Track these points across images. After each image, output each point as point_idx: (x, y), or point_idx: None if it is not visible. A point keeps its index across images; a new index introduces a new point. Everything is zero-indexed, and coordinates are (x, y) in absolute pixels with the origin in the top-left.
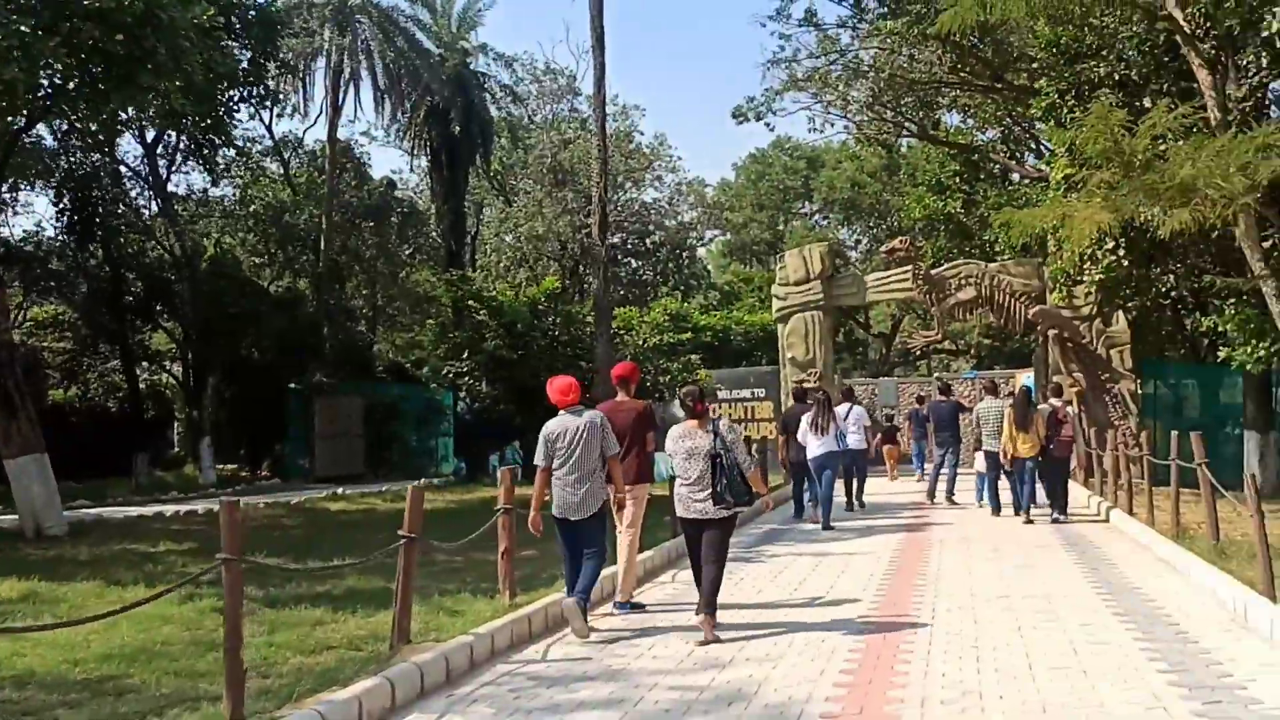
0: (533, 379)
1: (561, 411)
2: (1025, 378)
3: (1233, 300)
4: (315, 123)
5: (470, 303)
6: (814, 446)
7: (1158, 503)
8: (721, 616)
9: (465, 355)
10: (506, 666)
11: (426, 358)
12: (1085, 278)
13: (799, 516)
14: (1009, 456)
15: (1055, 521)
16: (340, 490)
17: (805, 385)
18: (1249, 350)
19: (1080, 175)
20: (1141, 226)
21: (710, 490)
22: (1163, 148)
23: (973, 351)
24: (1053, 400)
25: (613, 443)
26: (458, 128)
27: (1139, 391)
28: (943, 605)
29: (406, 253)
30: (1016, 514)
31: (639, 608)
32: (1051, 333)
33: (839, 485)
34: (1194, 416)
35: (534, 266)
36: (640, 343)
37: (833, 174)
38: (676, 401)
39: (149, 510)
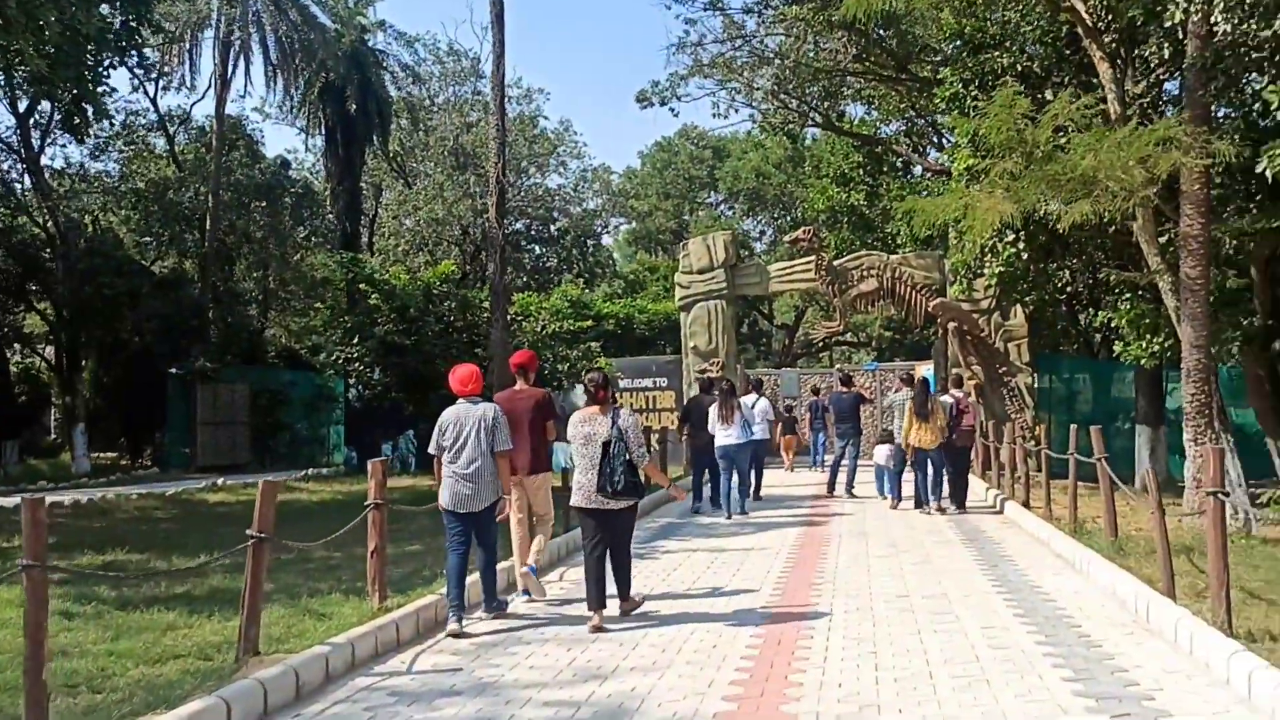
0: (425, 366)
1: (460, 400)
2: (925, 370)
3: (1128, 296)
4: (203, 97)
5: (361, 286)
6: (720, 436)
7: (1053, 496)
8: (607, 622)
9: (355, 340)
10: (366, 680)
11: (322, 343)
12: (986, 270)
13: (697, 507)
14: (910, 448)
15: (952, 511)
16: (221, 481)
17: (711, 375)
18: (1143, 345)
19: (983, 165)
20: (1041, 220)
21: (608, 479)
22: (1064, 140)
23: (874, 344)
24: (954, 391)
25: (504, 438)
26: (354, 106)
27: (1035, 385)
28: (840, 606)
29: (301, 235)
30: (917, 507)
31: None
32: (951, 325)
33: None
34: (1086, 411)
35: (434, 251)
36: (539, 329)
37: (738, 164)
38: (579, 389)
39: (11, 501)
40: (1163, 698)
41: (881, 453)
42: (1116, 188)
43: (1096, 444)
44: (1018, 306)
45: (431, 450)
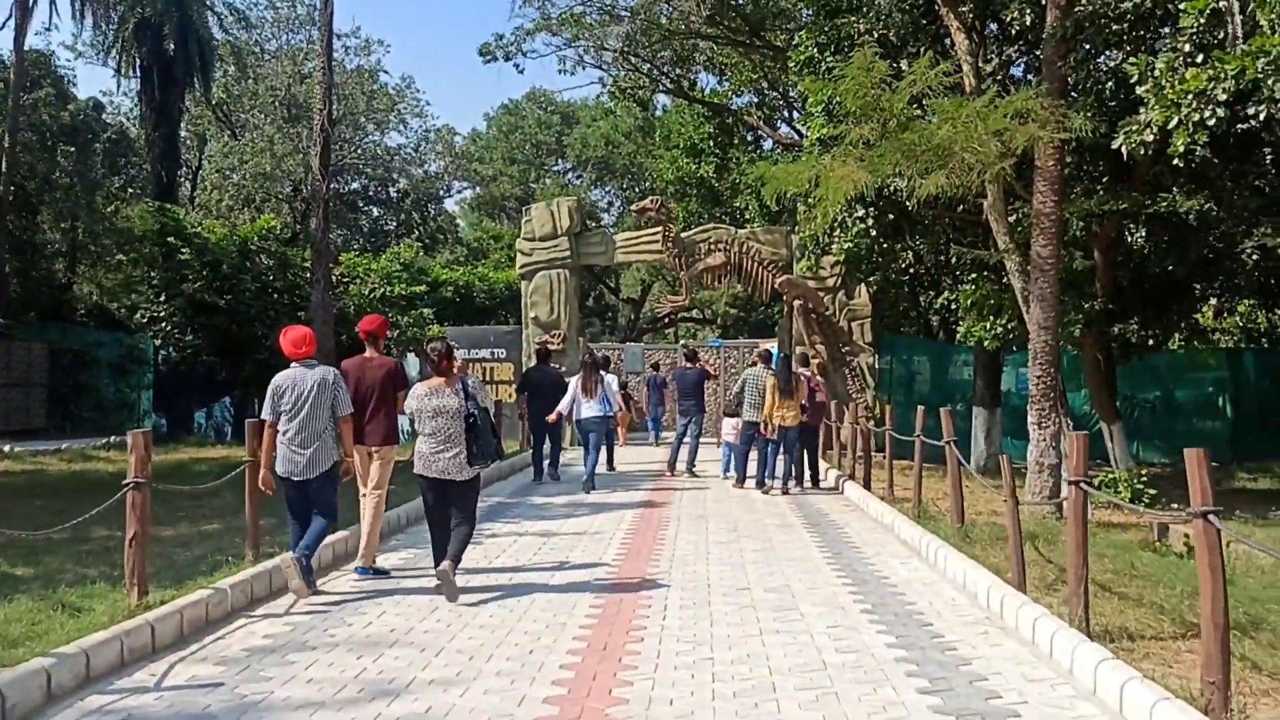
0: (241, 328)
1: (294, 364)
2: (769, 347)
3: (973, 276)
4: (2, 26)
5: (171, 239)
6: (584, 410)
7: (894, 479)
8: (411, 619)
9: (164, 299)
10: (101, 699)
11: (135, 302)
12: (834, 245)
13: (538, 479)
14: (771, 427)
15: (795, 490)
16: (9, 448)
17: (550, 346)
18: (985, 327)
19: (838, 132)
20: (891, 196)
21: (464, 451)
22: (920, 111)
23: (719, 321)
24: (801, 370)
25: (345, 402)
26: (172, 46)
27: (876, 365)
28: (676, 602)
29: (116, 185)
30: (759, 486)
31: (382, 573)
32: (796, 303)
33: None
34: (925, 391)
35: (261, 208)
36: (366, 293)
37: (587, 131)
38: (410, 357)
39: None
40: (1028, 712)
41: (728, 427)
42: (972, 159)
43: (946, 426)
44: (862, 286)
45: (265, 415)
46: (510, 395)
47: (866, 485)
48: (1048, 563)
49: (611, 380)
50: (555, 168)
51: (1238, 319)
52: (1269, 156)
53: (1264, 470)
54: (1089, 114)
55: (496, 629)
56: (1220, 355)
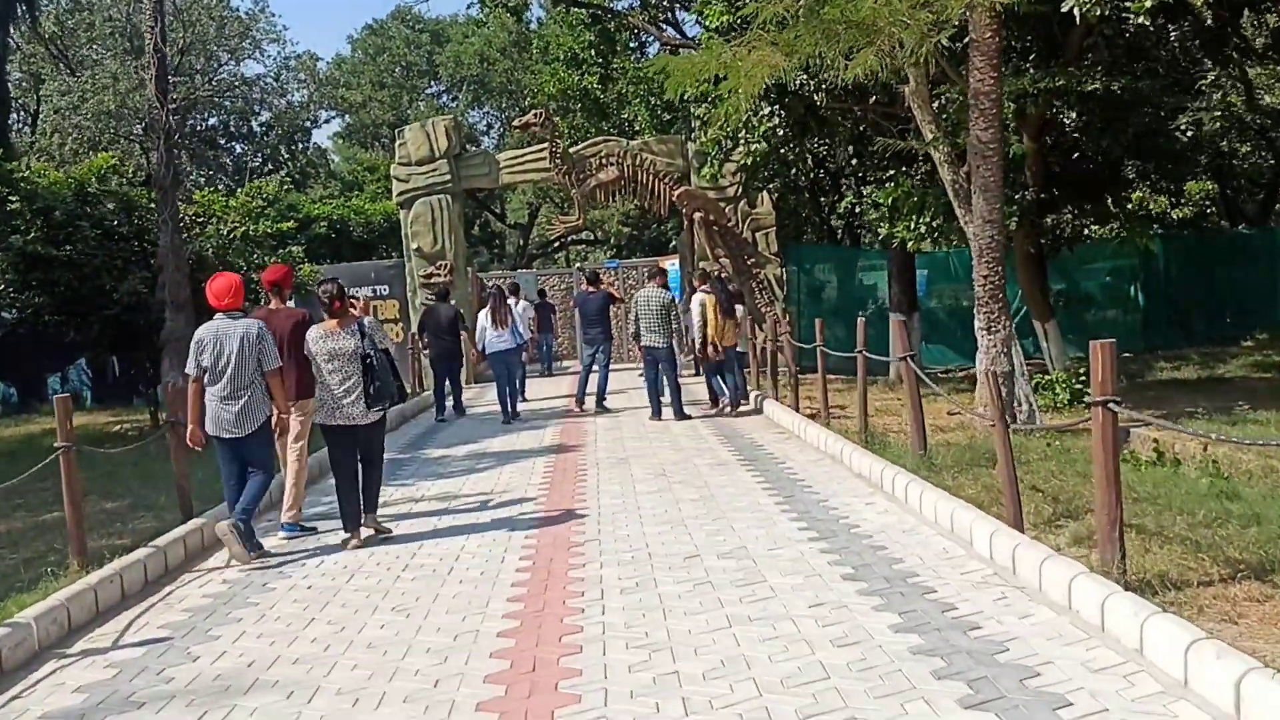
0: (86, 283)
1: (218, 315)
2: (669, 264)
3: (890, 173)
4: None
5: None
6: (494, 342)
7: (811, 393)
8: (276, 626)
9: None
10: None
11: None
12: (740, 148)
13: (440, 416)
14: (719, 348)
15: (715, 413)
16: None
17: (437, 279)
18: (908, 226)
19: (746, 10)
20: (798, 91)
21: (363, 393)
22: None
23: (612, 241)
24: (703, 289)
25: (272, 355)
26: None
27: (784, 276)
28: (614, 583)
29: None
30: (715, 406)
31: (311, 530)
32: (697, 215)
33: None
34: (834, 301)
35: (110, 150)
36: (226, 233)
37: (459, 49)
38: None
39: None
40: None
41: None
42: (903, 33)
43: (899, 338)
44: (764, 194)
45: (189, 371)
46: (398, 335)
47: (796, 407)
48: (1034, 491)
49: (525, 308)
50: (428, 90)
51: (1166, 201)
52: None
53: (1182, 359)
54: None
55: (406, 610)
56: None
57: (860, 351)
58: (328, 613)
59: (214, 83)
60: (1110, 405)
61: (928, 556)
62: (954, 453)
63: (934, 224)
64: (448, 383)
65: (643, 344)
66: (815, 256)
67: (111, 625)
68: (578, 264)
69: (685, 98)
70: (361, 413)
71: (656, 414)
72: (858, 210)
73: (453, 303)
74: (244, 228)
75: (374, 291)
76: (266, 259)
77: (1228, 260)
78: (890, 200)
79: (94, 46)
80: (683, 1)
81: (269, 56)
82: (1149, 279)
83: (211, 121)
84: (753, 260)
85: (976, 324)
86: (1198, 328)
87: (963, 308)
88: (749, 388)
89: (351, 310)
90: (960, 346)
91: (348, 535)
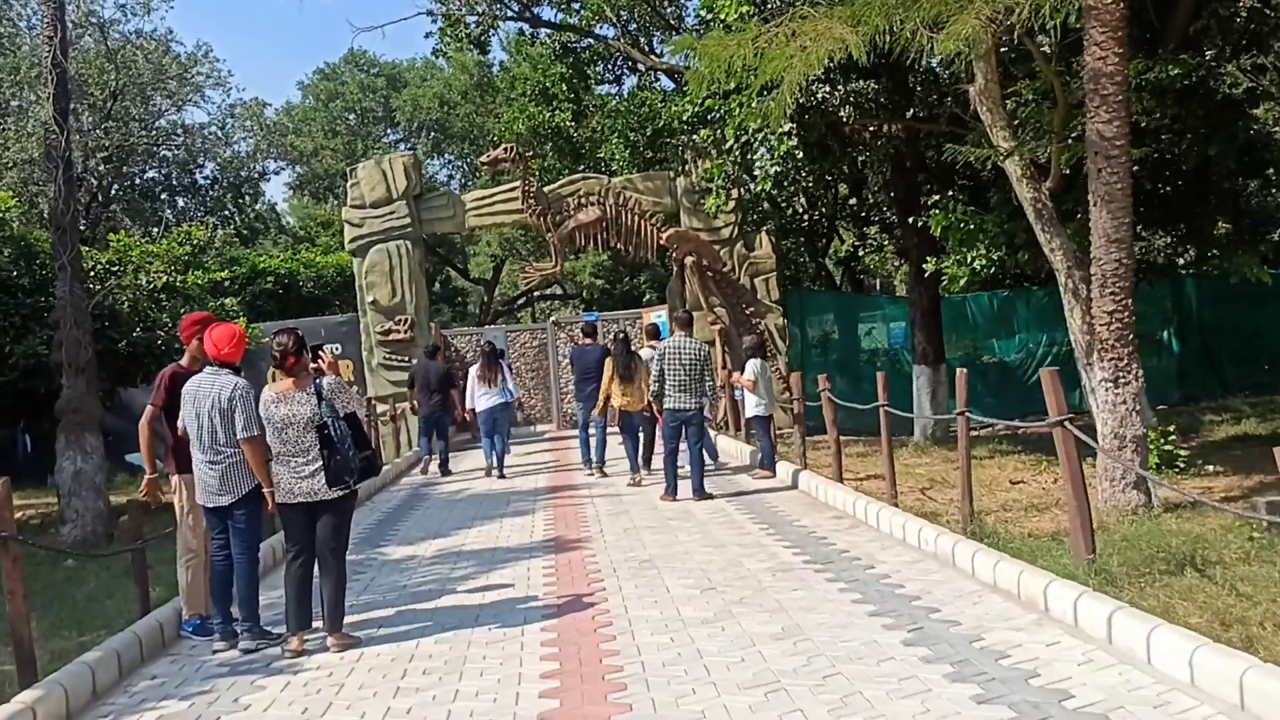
0: None
1: (208, 368)
2: (655, 316)
3: (935, 198)
4: None
5: None
6: (482, 400)
7: (828, 459)
8: None
9: None
10: None
11: None
12: (757, 170)
13: (424, 470)
14: (613, 412)
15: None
16: None
17: (396, 335)
18: (959, 260)
19: None
20: (819, 106)
21: (322, 467)
22: None
23: (584, 294)
24: (651, 344)
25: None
26: None
27: (786, 326)
28: None
29: None
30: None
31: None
32: (688, 259)
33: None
34: (841, 353)
35: (36, 200)
36: (145, 283)
37: (416, 92)
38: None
39: None
40: None
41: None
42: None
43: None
44: (763, 235)
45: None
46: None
47: (839, 478)
48: (1245, 600)
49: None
50: (385, 137)
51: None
52: None
53: (1226, 409)
54: None
55: None
56: (1163, 285)
57: (962, 413)
58: None
59: (152, 130)
60: None
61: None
62: (1119, 549)
63: (994, 257)
64: (435, 438)
65: (668, 405)
66: (820, 304)
67: None
68: (553, 319)
69: (714, 92)
70: (322, 488)
71: (672, 492)
72: (860, 253)
73: (439, 360)
74: (168, 278)
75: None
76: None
77: (1260, 301)
78: (938, 228)
79: (17, 90)
80: (665, 27)
81: (212, 103)
82: (1183, 322)
83: (150, 174)
84: (752, 310)
85: (1099, 374)
86: (1230, 375)
87: (981, 360)
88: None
89: (318, 367)
90: (980, 402)
91: (287, 636)
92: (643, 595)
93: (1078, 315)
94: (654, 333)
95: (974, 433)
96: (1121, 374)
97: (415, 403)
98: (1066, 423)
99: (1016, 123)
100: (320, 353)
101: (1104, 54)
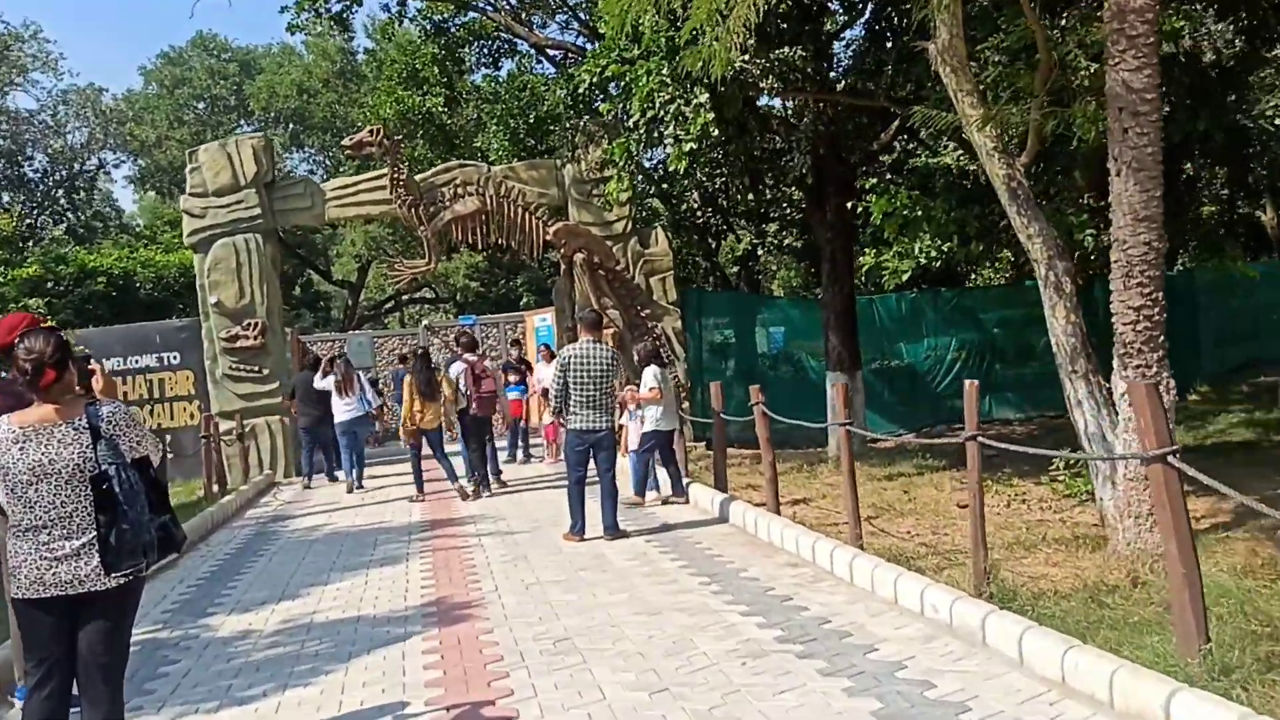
0: None
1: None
2: (539, 319)
3: (873, 182)
4: None
5: None
6: (341, 410)
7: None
8: None
9: None
10: None
11: None
12: (670, 147)
13: (308, 484)
14: (409, 430)
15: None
16: None
17: (245, 341)
18: (902, 253)
19: None
20: (739, 76)
21: (97, 541)
22: None
23: (457, 297)
24: (467, 356)
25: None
26: None
27: (684, 330)
28: None
29: None
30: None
31: None
32: (578, 257)
33: None
34: (740, 359)
35: None
36: None
37: (273, 79)
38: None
39: None
40: None
41: (634, 431)
42: None
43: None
44: (659, 231)
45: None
46: (193, 416)
47: (776, 508)
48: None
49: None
50: (239, 127)
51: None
52: None
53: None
54: None
55: None
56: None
57: (974, 437)
58: None
59: None
60: None
61: None
62: (1228, 628)
63: (945, 248)
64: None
65: (574, 425)
66: (718, 306)
67: None
68: (424, 324)
69: (619, 58)
70: (93, 573)
71: (579, 531)
72: (759, 252)
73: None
74: None
75: (160, 361)
76: None
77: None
78: (878, 214)
79: None
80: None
81: (42, 88)
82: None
83: None
84: (647, 311)
85: (1120, 373)
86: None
87: (891, 367)
88: (690, 481)
89: (88, 386)
90: (891, 411)
91: None
92: (569, 705)
93: (1060, 314)
94: (470, 345)
95: (872, 442)
96: (1147, 373)
97: (295, 412)
98: (1171, 456)
99: (982, 88)
100: (91, 367)
101: None
